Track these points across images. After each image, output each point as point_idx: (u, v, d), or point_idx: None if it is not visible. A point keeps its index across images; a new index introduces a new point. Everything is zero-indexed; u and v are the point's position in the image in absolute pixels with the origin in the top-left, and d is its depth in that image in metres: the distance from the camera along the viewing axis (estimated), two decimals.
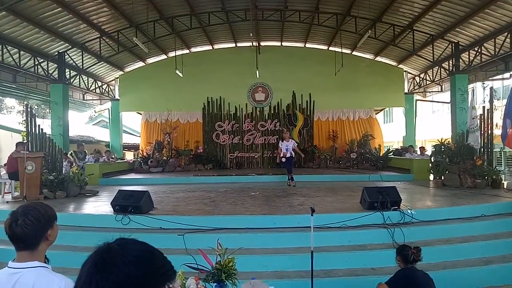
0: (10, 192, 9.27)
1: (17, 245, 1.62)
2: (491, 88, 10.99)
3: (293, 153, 10.35)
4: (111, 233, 5.70)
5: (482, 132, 10.13)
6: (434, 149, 11.01)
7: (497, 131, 10.49)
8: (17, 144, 9.07)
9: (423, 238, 5.53)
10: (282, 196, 8.40)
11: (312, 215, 4.48)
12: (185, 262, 3.96)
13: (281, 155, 10.24)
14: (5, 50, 11.25)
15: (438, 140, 10.93)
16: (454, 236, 5.74)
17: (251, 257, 5.00)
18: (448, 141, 11.15)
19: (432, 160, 10.92)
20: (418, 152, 14.40)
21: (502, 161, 15.58)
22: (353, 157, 15.13)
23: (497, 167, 10.56)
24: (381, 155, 15.00)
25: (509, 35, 10.62)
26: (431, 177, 10.68)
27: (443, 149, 10.65)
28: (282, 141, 10.54)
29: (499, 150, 15.18)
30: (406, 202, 6.65)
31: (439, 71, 14.64)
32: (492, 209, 6.63)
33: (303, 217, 5.77)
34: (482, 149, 10.19)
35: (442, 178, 10.01)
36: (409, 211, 6.02)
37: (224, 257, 3.23)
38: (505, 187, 9.12)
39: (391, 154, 14.99)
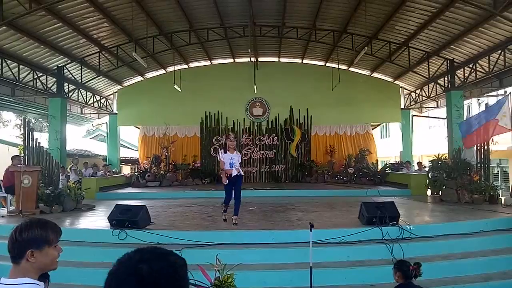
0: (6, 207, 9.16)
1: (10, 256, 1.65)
2: (487, 105, 11.10)
3: (241, 171, 6.99)
4: (107, 248, 5.67)
5: (478, 148, 10.20)
6: (431, 165, 11.03)
7: (493, 147, 10.55)
8: (13, 158, 8.99)
9: (422, 254, 5.49)
10: (280, 211, 8.36)
11: (311, 231, 4.46)
12: None
13: (226, 173, 6.76)
14: (4, 64, 11.32)
15: (435, 155, 10.97)
16: (453, 252, 5.71)
17: (249, 273, 4.94)
18: (445, 157, 11.19)
19: (430, 176, 10.95)
20: (416, 167, 14.44)
21: (499, 177, 15.62)
22: (351, 172, 15.15)
23: (494, 183, 10.58)
24: (378, 170, 15.03)
25: (502, 52, 10.81)
26: (429, 192, 10.67)
27: (440, 165, 10.69)
28: (225, 152, 6.85)
29: (496, 165, 15.24)
30: (404, 218, 6.63)
31: (434, 87, 14.80)
32: (491, 225, 6.62)
33: (301, 232, 5.73)
34: (479, 165, 10.24)
35: (440, 193, 10.02)
36: (407, 226, 6.00)
37: (223, 273, 3.20)
38: (502, 202, 9.13)
39: (388, 169, 15.02)
